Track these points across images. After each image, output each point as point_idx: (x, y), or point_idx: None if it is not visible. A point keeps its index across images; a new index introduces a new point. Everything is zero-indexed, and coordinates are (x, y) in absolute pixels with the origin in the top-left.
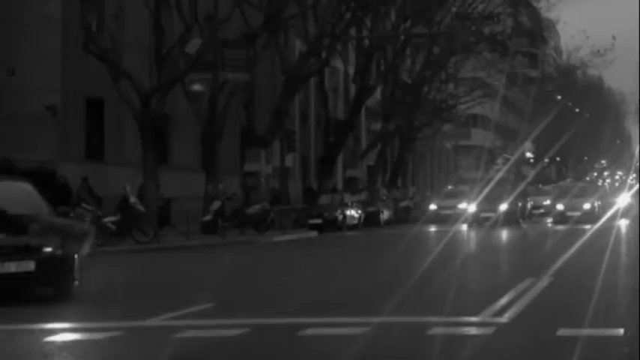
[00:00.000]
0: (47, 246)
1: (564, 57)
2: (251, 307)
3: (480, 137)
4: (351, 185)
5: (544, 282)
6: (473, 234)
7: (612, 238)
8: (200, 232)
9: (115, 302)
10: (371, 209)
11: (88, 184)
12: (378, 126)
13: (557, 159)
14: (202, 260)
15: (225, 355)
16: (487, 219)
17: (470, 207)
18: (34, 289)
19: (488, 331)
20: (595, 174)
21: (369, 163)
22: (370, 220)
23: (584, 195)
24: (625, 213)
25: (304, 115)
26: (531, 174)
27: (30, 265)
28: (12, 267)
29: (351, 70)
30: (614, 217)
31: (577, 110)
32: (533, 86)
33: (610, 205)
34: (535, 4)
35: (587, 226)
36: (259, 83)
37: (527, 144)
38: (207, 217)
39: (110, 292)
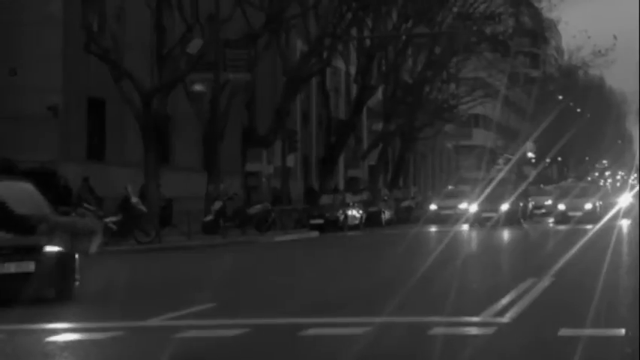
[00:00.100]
0: (57, 245)
1: (566, 57)
2: (252, 307)
3: (481, 137)
4: (352, 185)
5: (545, 282)
6: (474, 234)
7: (614, 238)
8: (201, 232)
9: (116, 302)
10: (372, 209)
11: (89, 185)
12: (379, 126)
13: (559, 159)
14: (203, 260)
15: (227, 355)
16: (488, 219)
17: (471, 207)
18: (35, 290)
19: (490, 331)
20: (596, 174)
21: (371, 163)
22: (372, 220)
23: (585, 195)
24: (627, 213)
25: (306, 115)
26: (533, 174)
27: (30, 266)
28: (11, 268)
29: (353, 70)
30: (615, 217)
31: (578, 110)
32: (534, 86)
33: (611, 205)
34: (536, 4)
35: (589, 226)
36: (260, 83)
37: (529, 144)
38: (209, 217)
39: (111, 292)
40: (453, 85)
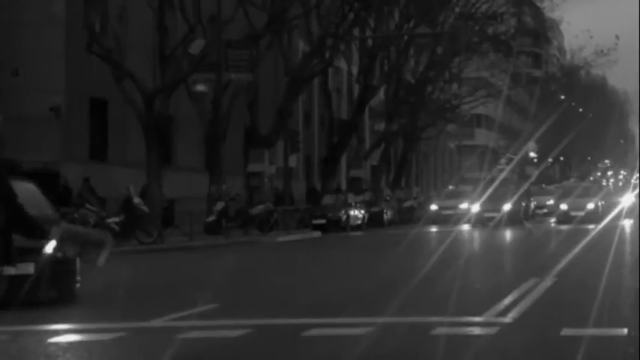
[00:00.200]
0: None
1: (568, 57)
2: (254, 307)
3: (483, 137)
4: (354, 185)
5: (548, 282)
6: (476, 234)
7: (616, 238)
8: (204, 233)
9: (118, 303)
10: (375, 209)
11: (90, 185)
12: (381, 126)
13: (561, 159)
14: (206, 261)
15: (229, 356)
16: (491, 219)
17: (474, 207)
18: (35, 292)
19: (492, 331)
20: (599, 174)
21: (373, 163)
22: (374, 220)
23: (587, 195)
24: (629, 213)
25: (308, 116)
26: (535, 174)
27: (29, 268)
28: (11, 270)
29: (355, 70)
30: (618, 217)
31: (581, 110)
32: (536, 86)
33: (614, 205)
34: (538, 4)
35: (591, 226)
36: (263, 84)
37: (531, 144)
38: (211, 218)
39: (114, 293)
40: (455, 85)
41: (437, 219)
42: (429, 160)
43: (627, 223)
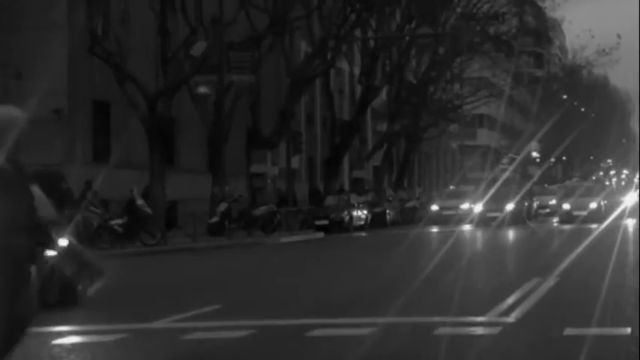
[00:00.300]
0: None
1: (570, 56)
2: (258, 308)
3: (485, 137)
4: (357, 186)
5: (551, 281)
6: (479, 234)
7: (619, 238)
8: (207, 234)
9: (122, 304)
10: (377, 210)
11: (93, 187)
12: (383, 127)
13: (564, 158)
14: (209, 262)
15: (233, 357)
16: (493, 219)
17: (476, 207)
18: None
19: (495, 330)
20: (601, 173)
21: (375, 164)
22: (376, 220)
23: (590, 194)
24: (632, 212)
25: (310, 117)
26: (537, 174)
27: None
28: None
29: (357, 71)
30: (621, 217)
31: (583, 109)
32: (538, 86)
33: (617, 205)
34: (540, 4)
35: (594, 226)
36: (265, 85)
37: (534, 144)
38: (214, 219)
39: (117, 294)
40: (457, 86)
41: (438, 219)
42: (432, 161)
43: (630, 223)
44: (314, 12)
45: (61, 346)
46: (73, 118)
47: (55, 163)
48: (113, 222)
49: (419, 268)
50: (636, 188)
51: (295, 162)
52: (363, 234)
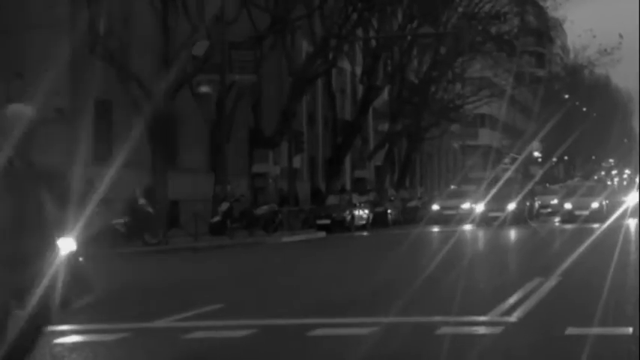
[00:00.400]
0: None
1: (571, 56)
2: (259, 307)
3: (487, 137)
4: (359, 186)
5: (552, 281)
6: (481, 233)
7: (621, 237)
8: (209, 234)
9: (123, 304)
10: (379, 210)
11: (93, 186)
12: (385, 126)
13: (565, 158)
14: (211, 261)
15: (234, 356)
16: (495, 218)
17: (478, 206)
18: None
19: (497, 330)
20: (603, 173)
21: (377, 164)
22: (378, 220)
23: (592, 194)
24: (634, 212)
25: (312, 116)
26: (539, 173)
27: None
28: None
29: (358, 70)
30: (622, 216)
31: (584, 109)
32: (540, 86)
33: (619, 204)
34: (542, 4)
35: (596, 225)
36: (266, 85)
37: (535, 143)
38: (216, 219)
39: (119, 293)
40: (458, 85)
41: (439, 219)
42: (433, 160)
43: (632, 223)
44: (315, 11)
45: (62, 345)
46: (74, 118)
47: (56, 163)
48: (115, 221)
49: (420, 268)
50: (638, 188)
51: (297, 161)
52: (365, 233)
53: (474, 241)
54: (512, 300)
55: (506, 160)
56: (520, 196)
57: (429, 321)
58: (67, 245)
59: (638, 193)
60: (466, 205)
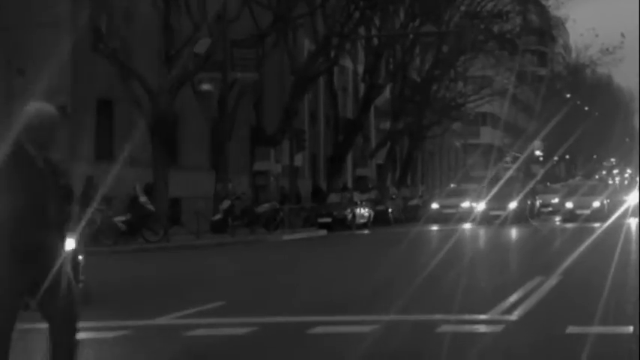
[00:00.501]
0: None
1: (573, 55)
2: (260, 305)
3: (488, 135)
4: (360, 184)
5: (553, 280)
6: (482, 232)
7: (622, 237)
8: (210, 231)
9: (124, 301)
10: (380, 208)
11: (93, 183)
12: (387, 125)
13: (567, 157)
14: (212, 259)
15: (235, 354)
16: (496, 217)
17: (479, 205)
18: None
19: (498, 328)
20: (604, 172)
21: (379, 162)
22: (379, 218)
23: (593, 193)
24: (635, 211)
25: (313, 114)
26: (540, 172)
27: None
28: None
29: (360, 69)
30: (623, 216)
31: (586, 108)
32: (542, 84)
33: (620, 203)
34: (544, 2)
35: (597, 225)
36: (268, 83)
37: (537, 142)
38: (217, 217)
39: (120, 291)
40: (460, 84)
41: (438, 218)
42: (435, 159)
43: (633, 222)
44: (318, 9)
45: None
46: (76, 116)
47: (59, 160)
48: (116, 219)
49: (421, 266)
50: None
51: (298, 160)
52: (366, 232)
53: (474, 240)
54: (512, 299)
55: (508, 159)
56: (521, 195)
57: (429, 319)
58: (68, 243)
59: (639, 192)
60: (466, 204)
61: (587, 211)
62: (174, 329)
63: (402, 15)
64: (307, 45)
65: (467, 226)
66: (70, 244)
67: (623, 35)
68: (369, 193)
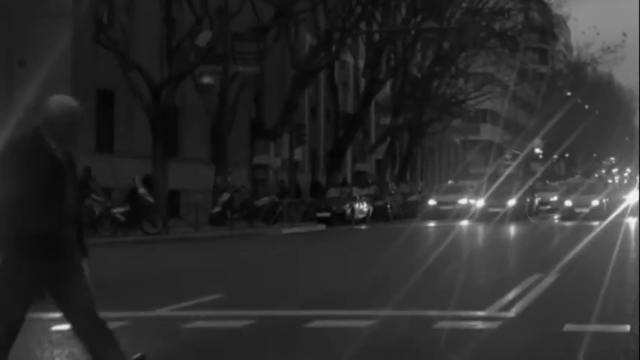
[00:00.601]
0: None
1: (574, 53)
2: (259, 298)
3: (488, 132)
4: (359, 179)
5: (551, 277)
6: (480, 228)
7: (620, 235)
8: (209, 224)
9: (123, 293)
10: (379, 203)
11: (91, 174)
12: (387, 120)
13: (567, 155)
14: (210, 252)
15: (233, 346)
16: (495, 214)
17: (478, 202)
18: None
19: (495, 325)
20: (604, 171)
21: (378, 157)
22: (378, 214)
23: (592, 192)
24: (634, 210)
25: (314, 109)
26: (540, 170)
27: None
28: None
29: (361, 64)
30: (622, 215)
31: (587, 107)
32: (543, 82)
33: (619, 202)
34: (546, 0)
35: (595, 223)
36: (269, 76)
37: (537, 140)
38: (216, 209)
39: (118, 282)
40: (461, 80)
41: (435, 214)
42: (434, 155)
43: (632, 221)
44: (319, 4)
45: (61, 332)
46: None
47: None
48: (115, 210)
49: (419, 262)
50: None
51: (298, 154)
52: (365, 227)
53: (473, 237)
54: (510, 295)
55: (507, 156)
56: (520, 193)
57: (426, 315)
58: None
59: (638, 191)
60: (463, 201)
61: (586, 210)
62: (172, 321)
63: (403, 11)
64: (308, 39)
65: (464, 222)
66: None
67: (624, 34)
68: (368, 189)
